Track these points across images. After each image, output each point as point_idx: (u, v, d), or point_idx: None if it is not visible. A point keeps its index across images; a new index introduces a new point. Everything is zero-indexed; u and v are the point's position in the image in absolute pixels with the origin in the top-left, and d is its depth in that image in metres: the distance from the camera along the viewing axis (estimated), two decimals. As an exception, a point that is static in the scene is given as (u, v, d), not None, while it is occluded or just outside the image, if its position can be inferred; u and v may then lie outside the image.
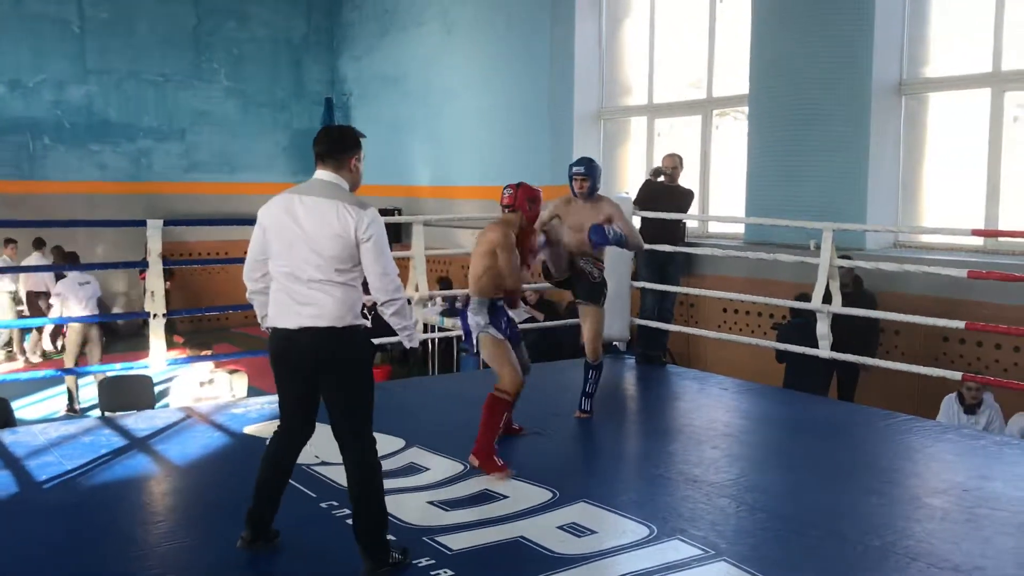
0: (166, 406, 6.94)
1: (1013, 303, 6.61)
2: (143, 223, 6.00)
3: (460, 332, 5.15)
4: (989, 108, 7.63)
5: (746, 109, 9.28)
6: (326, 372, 3.53)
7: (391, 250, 3.69)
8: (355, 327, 3.54)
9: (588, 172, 5.63)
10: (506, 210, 5.06)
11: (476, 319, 4.89)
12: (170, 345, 6.77)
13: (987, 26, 7.62)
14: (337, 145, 3.63)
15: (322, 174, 3.60)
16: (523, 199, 5.00)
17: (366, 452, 3.56)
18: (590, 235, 5.48)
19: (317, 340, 3.48)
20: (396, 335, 3.84)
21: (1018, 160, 7.60)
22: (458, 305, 11.32)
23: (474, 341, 4.92)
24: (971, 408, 6.48)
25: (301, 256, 3.48)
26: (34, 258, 12.91)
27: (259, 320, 3.82)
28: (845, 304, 6.43)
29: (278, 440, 3.72)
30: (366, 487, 3.52)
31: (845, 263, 6.52)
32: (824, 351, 6.40)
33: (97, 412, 7.05)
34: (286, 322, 3.53)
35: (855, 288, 7.23)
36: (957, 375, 5.99)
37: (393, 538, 3.63)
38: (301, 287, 3.49)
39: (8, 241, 12.82)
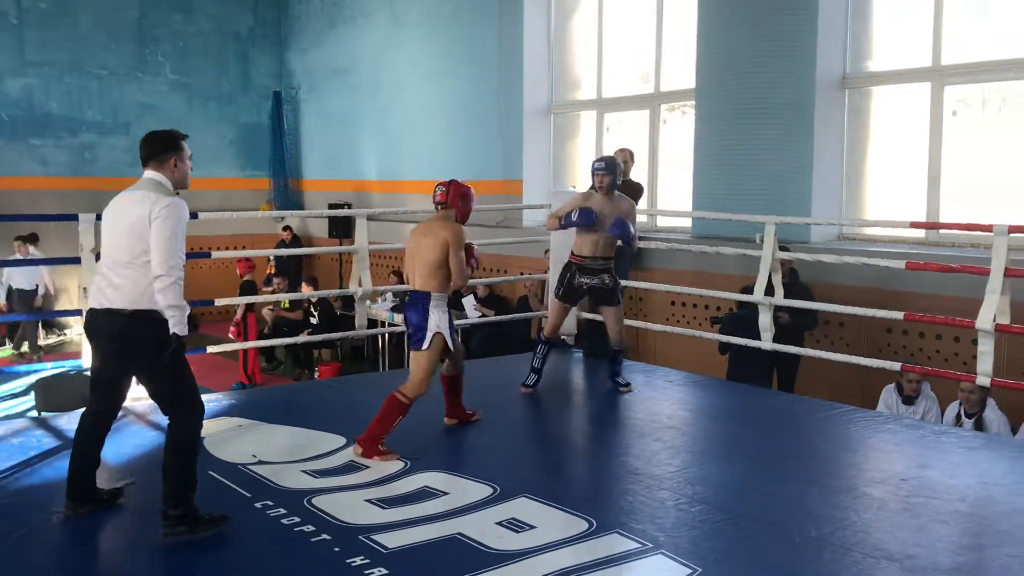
0: (104, 405, 6.78)
1: (951, 294, 6.70)
2: (75, 218, 5.84)
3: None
4: (929, 102, 7.73)
5: (693, 103, 9.31)
6: (126, 353, 3.85)
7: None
8: (151, 311, 3.78)
9: (608, 169, 6.01)
10: (439, 207, 5.10)
11: (438, 318, 4.93)
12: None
13: (927, 21, 7.72)
14: (157, 147, 4.01)
15: (147, 173, 3.97)
16: (455, 196, 5.06)
17: (175, 430, 3.89)
18: (611, 227, 5.92)
19: (113, 321, 3.80)
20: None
21: (957, 153, 7.71)
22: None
23: (428, 338, 4.91)
24: (909, 399, 6.56)
25: (110, 243, 3.87)
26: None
27: None
28: (786, 296, 6.49)
29: (87, 417, 4.08)
30: (171, 459, 3.84)
31: (784, 255, 6.57)
32: (767, 343, 6.44)
33: (34, 413, 6.86)
34: (93, 303, 3.89)
35: (791, 279, 7.30)
36: (896, 365, 6.05)
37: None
38: (109, 272, 3.84)
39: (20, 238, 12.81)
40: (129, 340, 3.80)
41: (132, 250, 3.78)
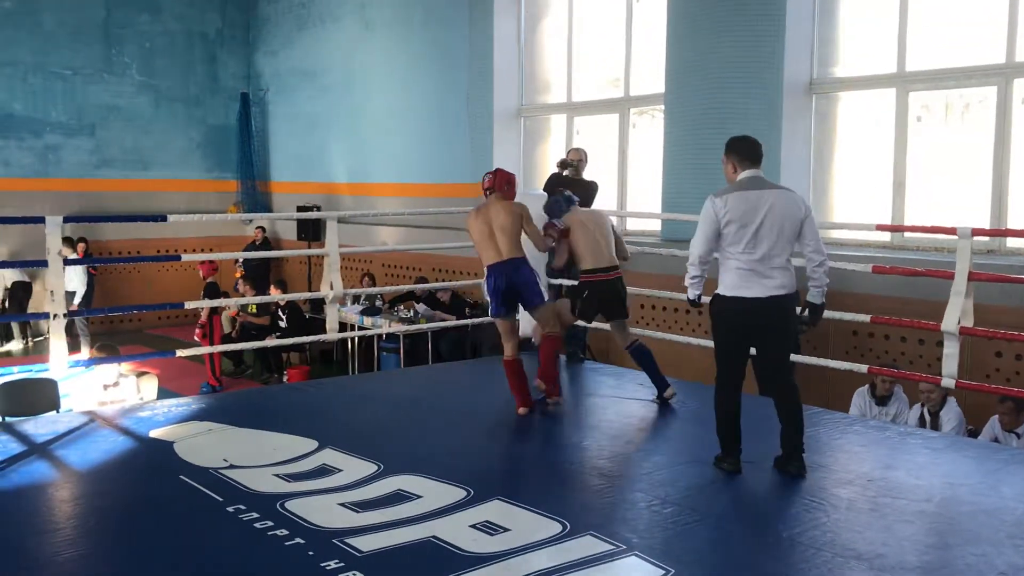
0: (69, 411, 6.70)
1: (917, 296, 6.80)
2: (42, 220, 5.76)
3: (378, 331, 5.12)
4: (895, 107, 7.85)
5: (663, 108, 9.38)
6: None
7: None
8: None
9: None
10: (488, 193, 5.77)
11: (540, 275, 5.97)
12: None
13: (892, 27, 7.84)
14: None
15: None
16: (502, 182, 5.71)
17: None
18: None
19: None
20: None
21: (922, 158, 7.84)
22: (379, 303, 11.21)
23: (544, 292, 5.93)
24: (883, 399, 6.66)
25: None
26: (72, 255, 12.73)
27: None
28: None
29: None
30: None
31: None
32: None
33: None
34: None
35: None
36: (864, 368, 6.13)
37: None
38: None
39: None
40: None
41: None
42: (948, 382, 5.37)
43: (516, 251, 5.64)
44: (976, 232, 5.35)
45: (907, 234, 7.59)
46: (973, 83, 7.59)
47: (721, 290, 4.53)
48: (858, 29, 8.34)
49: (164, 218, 6.67)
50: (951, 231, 5.35)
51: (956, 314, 5.22)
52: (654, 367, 6.07)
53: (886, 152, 7.95)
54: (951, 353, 5.30)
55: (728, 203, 4.44)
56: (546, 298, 5.92)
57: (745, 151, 4.57)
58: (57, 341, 5.82)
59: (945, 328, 5.28)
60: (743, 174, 4.55)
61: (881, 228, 6.83)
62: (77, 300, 12.52)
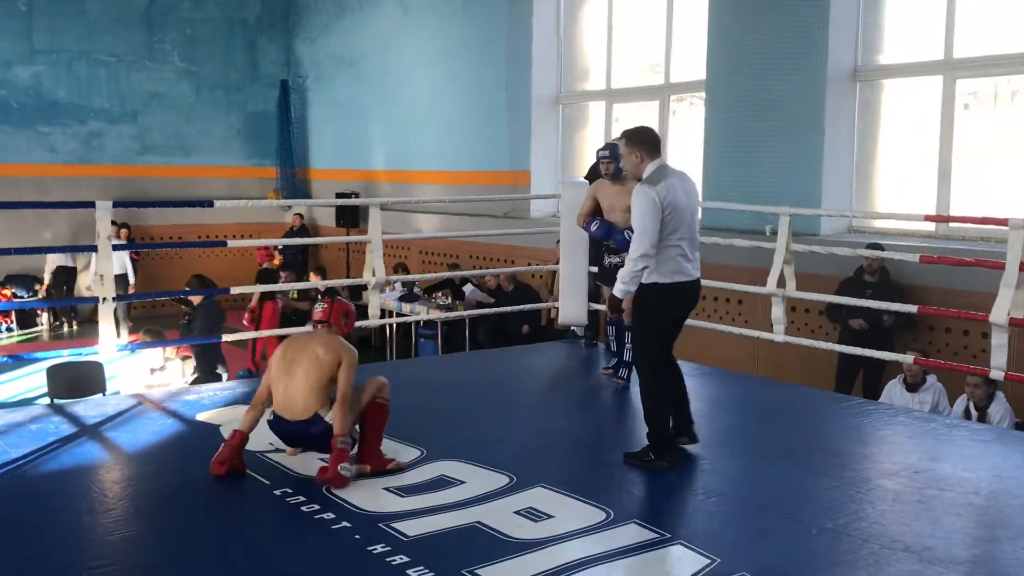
0: (116, 393, 6.81)
1: (959, 287, 6.72)
2: (92, 205, 5.84)
3: (416, 317, 5.01)
4: (941, 95, 7.73)
5: (703, 95, 9.31)
6: None
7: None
8: None
9: (612, 155, 5.91)
10: (318, 325, 4.57)
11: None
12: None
13: (939, 14, 7.71)
14: None
15: None
16: (338, 314, 4.59)
17: None
18: (595, 230, 5.80)
19: None
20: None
21: (968, 146, 7.71)
22: (416, 290, 11.25)
23: None
24: (913, 387, 6.59)
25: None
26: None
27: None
28: (877, 296, 6.62)
29: None
30: None
31: (874, 254, 6.63)
32: (779, 335, 6.45)
33: (46, 400, 6.89)
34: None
35: (880, 278, 7.36)
36: (909, 358, 6.07)
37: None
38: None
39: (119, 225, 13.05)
40: None
41: None
42: (997, 374, 5.29)
43: (315, 404, 4.31)
44: (1028, 222, 5.25)
45: (952, 224, 7.49)
46: (1023, 70, 7.44)
47: (658, 278, 4.54)
48: (904, 15, 8.21)
49: (210, 204, 6.74)
50: (1003, 222, 5.26)
51: (1007, 305, 5.14)
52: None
53: (931, 141, 7.83)
54: (1000, 344, 5.22)
55: (664, 191, 4.46)
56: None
57: (652, 142, 4.64)
58: (106, 325, 5.90)
59: (994, 319, 5.20)
60: (654, 163, 4.58)
61: (930, 218, 6.72)
62: (132, 281, 12.85)
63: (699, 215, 4.75)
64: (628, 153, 4.64)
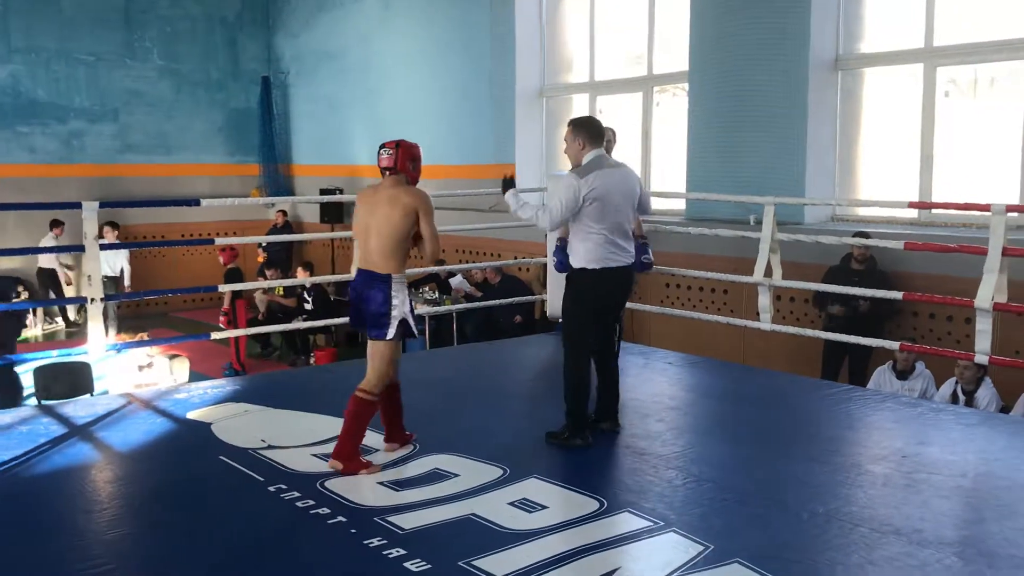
0: (105, 393, 6.80)
1: (943, 273, 6.78)
2: (79, 205, 5.82)
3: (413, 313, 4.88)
4: (922, 83, 7.79)
5: (686, 86, 9.34)
6: None
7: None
8: None
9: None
10: (386, 172, 4.50)
11: (402, 302, 4.41)
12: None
13: (919, 2, 7.77)
14: None
15: None
16: (405, 159, 4.50)
17: None
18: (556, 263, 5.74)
19: None
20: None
21: (949, 134, 7.78)
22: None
23: (393, 327, 4.39)
24: (903, 374, 6.66)
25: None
26: (49, 238, 12.90)
27: None
28: (863, 284, 6.69)
29: None
30: None
31: (860, 242, 6.71)
32: (765, 324, 6.50)
33: (33, 401, 6.87)
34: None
35: (868, 266, 7.40)
36: (895, 345, 6.13)
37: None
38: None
39: (55, 223, 12.91)
40: None
41: None
42: (981, 358, 5.36)
43: (382, 262, 4.37)
44: (1010, 208, 5.32)
45: (935, 211, 7.56)
46: (1002, 57, 7.52)
47: (586, 264, 4.71)
48: (885, 3, 8.26)
49: (198, 202, 6.73)
50: (985, 208, 5.32)
51: (990, 290, 5.20)
52: None
53: (913, 128, 7.89)
54: (984, 329, 5.29)
55: (591, 182, 4.64)
56: (391, 335, 4.41)
57: (595, 132, 4.82)
58: (95, 325, 5.88)
59: (979, 304, 5.27)
60: (593, 152, 4.77)
61: (914, 205, 6.79)
62: (127, 281, 12.87)
63: (640, 203, 4.90)
64: (572, 140, 4.80)
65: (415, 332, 4.53)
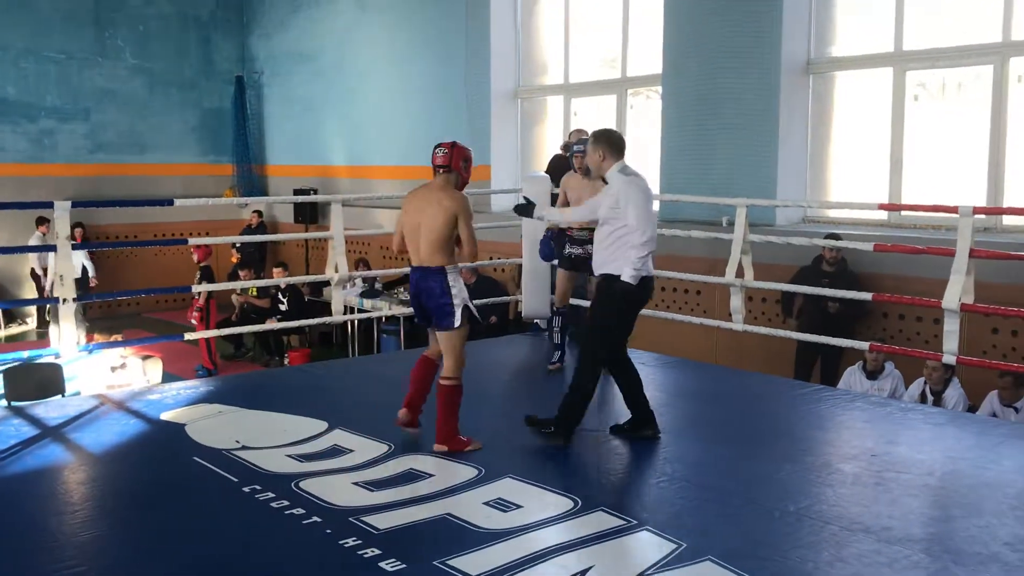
0: (77, 394, 6.74)
1: (913, 274, 6.88)
2: (50, 205, 5.77)
3: (378, 313, 5.07)
4: (892, 87, 7.90)
5: (660, 88, 9.40)
6: None
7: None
8: None
9: (586, 150, 5.88)
10: (439, 171, 4.68)
11: (460, 290, 4.64)
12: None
13: (889, 6, 7.88)
14: None
15: None
16: (458, 159, 4.68)
17: None
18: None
19: None
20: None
21: (919, 137, 7.89)
22: (377, 286, 11.23)
23: (459, 314, 4.63)
24: (873, 374, 6.75)
25: None
26: (36, 236, 12.73)
27: None
28: (833, 285, 6.78)
29: None
30: None
31: (830, 243, 6.78)
32: (738, 324, 6.56)
33: (3, 402, 6.80)
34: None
35: (839, 268, 7.46)
36: (865, 345, 6.20)
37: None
38: None
39: (41, 220, 12.70)
40: None
41: None
42: (949, 358, 5.44)
43: (432, 256, 4.62)
44: (977, 211, 5.41)
45: (904, 212, 7.66)
46: (970, 62, 7.63)
47: (633, 274, 4.63)
48: (855, 8, 8.36)
49: (171, 202, 6.69)
50: (952, 210, 5.41)
51: (957, 291, 5.29)
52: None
53: (883, 131, 8.00)
54: (951, 330, 5.37)
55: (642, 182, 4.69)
56: (458, 322, 4.65)
57: (615, 144, 4.77)
58: (67, 325, 5.84)
59: (946, 305, 5.35)
60: (619, 163, 4.72)
61: (884, 207, 6.88)
62: (92, 279, 12.78)
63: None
64: (592, 151, 4.76)
65: (479, 317, 4.82)
